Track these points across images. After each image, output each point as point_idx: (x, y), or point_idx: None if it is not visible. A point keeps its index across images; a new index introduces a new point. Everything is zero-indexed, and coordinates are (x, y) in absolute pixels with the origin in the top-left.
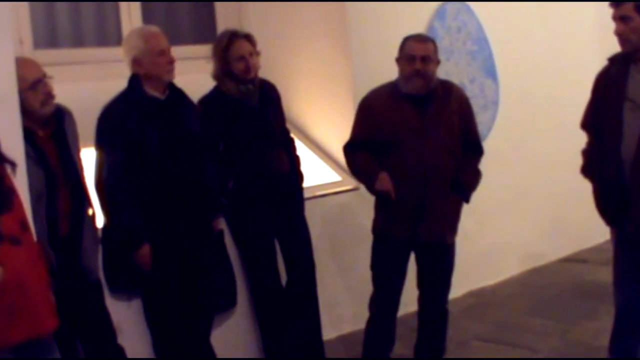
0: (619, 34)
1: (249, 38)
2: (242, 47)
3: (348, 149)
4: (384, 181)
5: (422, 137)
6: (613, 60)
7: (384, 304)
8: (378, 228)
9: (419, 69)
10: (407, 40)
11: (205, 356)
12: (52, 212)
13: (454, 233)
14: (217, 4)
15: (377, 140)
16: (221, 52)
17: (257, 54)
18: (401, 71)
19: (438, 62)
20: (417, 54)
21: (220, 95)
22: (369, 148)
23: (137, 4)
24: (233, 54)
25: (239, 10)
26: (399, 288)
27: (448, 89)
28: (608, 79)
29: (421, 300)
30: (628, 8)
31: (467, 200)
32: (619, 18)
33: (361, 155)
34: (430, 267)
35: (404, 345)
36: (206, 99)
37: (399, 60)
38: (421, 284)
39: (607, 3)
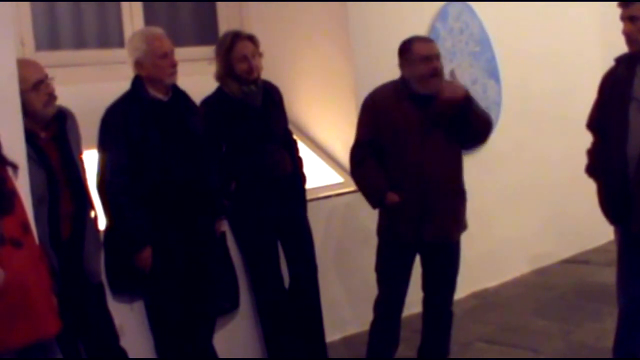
0: (627, 34)
1: (252, 39)
2: (245, 47)
3: (356, 153)
4: (394, 198)
5: (423, 136)
6: (620, 60)
7: (389, 306)
8: (383, 230)
9: (437, 67)
10: (414, 42)
11: (207, 358)
12: (54, 215)
13: (460, 231)
14: (219, 6)
15: (381, 141)
16: (224, 53)
17: (260, 54)
18: (414, 73)
19: None
20: (431, 53)
21: (223, 96)
22: (374, 148)
23: (139, 5)
24: (236, 55)
25: (240, 12)
26: (404, 290)
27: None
28: (614, 79)
29: (426, 302)
30: (637, 8)
31: (470, 107)
32: (627, 18)
33: (369, 165)
34: (436, 267)
35: (407, 346)
36: (209, 100)
37: (406, 63)
38: (426, 285)
39: (610, 3)
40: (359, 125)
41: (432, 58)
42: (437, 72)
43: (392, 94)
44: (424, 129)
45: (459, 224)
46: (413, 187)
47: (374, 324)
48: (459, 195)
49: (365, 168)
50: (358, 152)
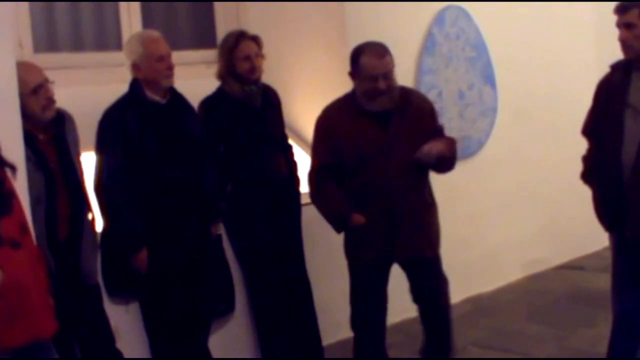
0: (623, 41)
1: (255, 39)
2: (249, 47)
3: (315, 178)
4: (359, 220)
5: (385, 154)
6: (615, 67)
7: (368, 329)
8: (350, 251)
9: (382, 89)
10: (362, 56)
11: None
12: (51, 216)
13: (434, 247)
14: (217, 9)
15: (342, 162)
16: (227, 52)
17: (262, 56)
18: (361, 89)
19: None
20: (377, 72)
21: (223, 96)
22: (334, 170)
23: (137, 8)
24: (239, 54)
25: (238, 16)
26: (382, 308)
27: (406, 99)
28: (610, 85)
29: (420, 311)
30: (633, 15)
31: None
32: (623, 25)
33: (330, 190)
34: (418, 282)
35: (402, 351)
36: (209, 100)
37: (354, 76)
38: (415, 298)
39: (606, 9)
40: (315, 148)
41: (378, 77)
42: (380, 93)
43: (348, 112)
44: (384, 146)
45: (432, 239)
46: (378, 205)
47: (357, 346)
48: (427, 209)
49: (326, 193)
50: (317, 176)
